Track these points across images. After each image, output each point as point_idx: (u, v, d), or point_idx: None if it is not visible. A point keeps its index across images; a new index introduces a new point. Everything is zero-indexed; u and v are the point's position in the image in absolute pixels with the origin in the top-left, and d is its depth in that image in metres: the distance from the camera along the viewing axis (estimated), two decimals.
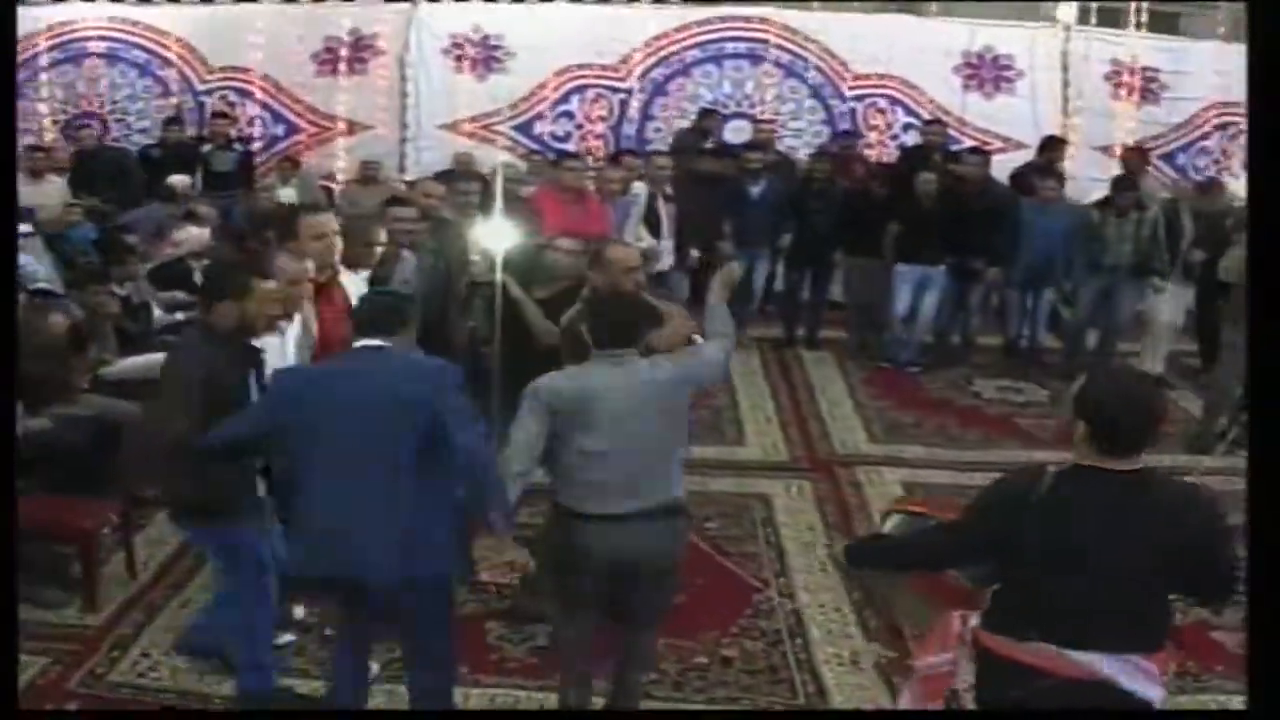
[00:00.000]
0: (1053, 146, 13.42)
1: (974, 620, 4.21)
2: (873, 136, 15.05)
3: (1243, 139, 15.49)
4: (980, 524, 4.13)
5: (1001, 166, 13.43)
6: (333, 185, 14.60)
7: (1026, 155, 14.14)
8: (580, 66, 14.82)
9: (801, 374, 11.87)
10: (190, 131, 14.30)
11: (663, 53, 14.89)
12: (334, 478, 4.84)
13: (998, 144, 14.77)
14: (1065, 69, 15.21)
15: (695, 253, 11.55)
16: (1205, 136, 15.59)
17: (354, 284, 6.77)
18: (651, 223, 11.03)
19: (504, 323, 6.83)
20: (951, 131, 14.69)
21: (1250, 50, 5.00)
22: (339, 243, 6.55)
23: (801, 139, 14.95)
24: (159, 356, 8.86)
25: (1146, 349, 12.16)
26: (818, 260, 12.61)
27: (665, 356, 5.31)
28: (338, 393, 4.90)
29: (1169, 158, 15.38)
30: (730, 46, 14.95)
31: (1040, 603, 3.90)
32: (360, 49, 14.70)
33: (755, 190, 12.24)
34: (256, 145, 14.75)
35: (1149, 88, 15.44)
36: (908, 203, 11.89)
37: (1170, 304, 12.11)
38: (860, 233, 12.10)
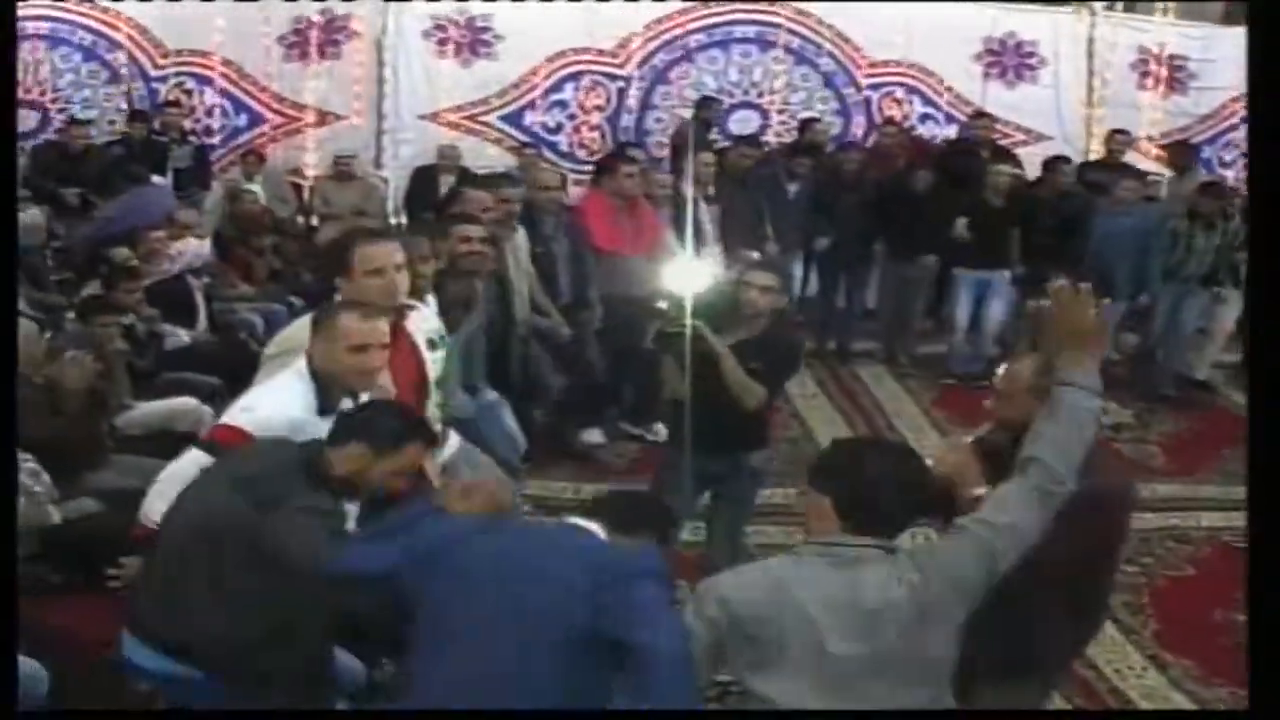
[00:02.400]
0: (1116, 141, 12.37)
1: None
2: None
3: None
4: None
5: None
6: (302, 181, 13.46)
7: (1049, 148, 13.33)
8: (575, 52, 13.59)
9: (864, 392, 10.64)
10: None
11: (664, 37, 13.73)
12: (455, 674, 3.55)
13: (1019, 136, 13.95)
14: (1090, 56, 14.27)
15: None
16: (1233, 129, 14.69)
17: (419, 319, 5.46)
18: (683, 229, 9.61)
19: (697, 382, 5.62)
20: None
21: (1250, 50, 4.89)
22: (403, 279, 5.14)
23: None
24: (182, 403, 7.69)
25: (1204, 359, 11.22)
26: (854, 263, 11.47)
27: (937, 540, 3.59)
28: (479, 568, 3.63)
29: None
30: (738, 30, 13.84)
31: None
32: (333, 32, 13.35)
33: (793, 188, 11.07)
34: (216, 138, 13.43)
35: (1176, 77, 14.55)
36: (971, 201, 10.76)
37: (1229, 311, 11.17)
38: (907, 232, 10.95)
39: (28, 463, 5.95)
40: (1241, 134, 14.66)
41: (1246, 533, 3.86)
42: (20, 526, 5.62)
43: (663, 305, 5.79)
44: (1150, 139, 14.13)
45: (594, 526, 3.72)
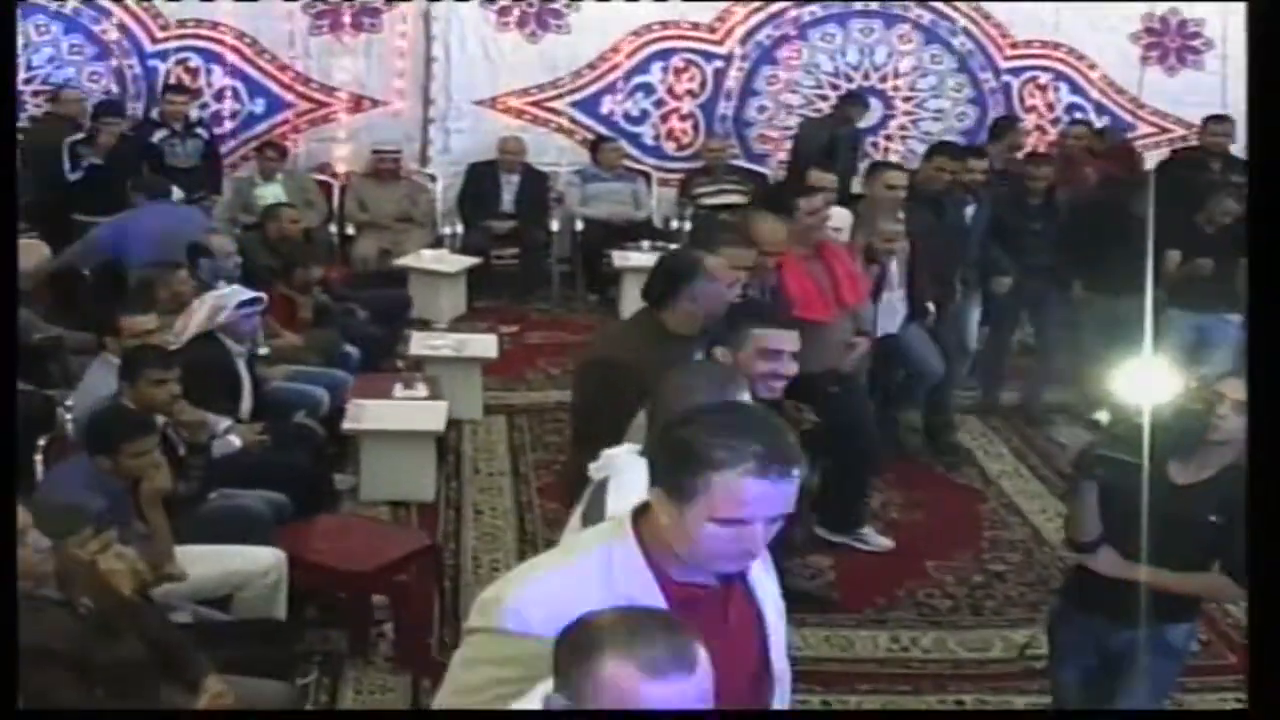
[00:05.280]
0: None
1: None
2: (1030, 120, 12.11)
3: None
4: None
5: None
6: (332, 181, 11.75)
7: None
8: (663, 25, 12.00)
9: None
10: (137, 113, 11.10)
11: (771, 9, 12.03)
12: None
13: (1179, 130, 12.24)
14: None
15: (931, 306, 8.18)
16: None
17: None
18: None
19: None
20: (1124, 114, 12.25)
21: (1250, 50, 4.84)
22: None
23: (943, 122, 12.13)
24: (247, 559, 5.36)
25: None
26: (1038, 302, 9.40)
27: None
28: None
29: None
30: (859, 3, 12.10)
31: None
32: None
33: (969, 209, 8.97)
34: (227, 127, 11.56)
35: None
36: (1186, 227, 8.76)
37: None
38: (1122, 263, 8.87)
39: None
40: None
41: (1248, 531, 3.78)
42: None
43: (1099, 417, 4.73)
44: None
45: None
